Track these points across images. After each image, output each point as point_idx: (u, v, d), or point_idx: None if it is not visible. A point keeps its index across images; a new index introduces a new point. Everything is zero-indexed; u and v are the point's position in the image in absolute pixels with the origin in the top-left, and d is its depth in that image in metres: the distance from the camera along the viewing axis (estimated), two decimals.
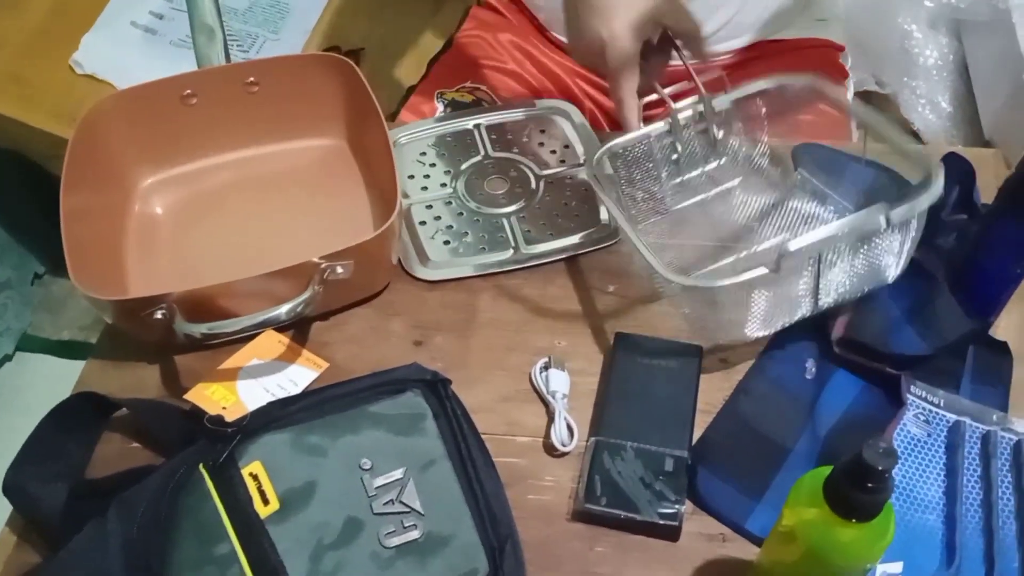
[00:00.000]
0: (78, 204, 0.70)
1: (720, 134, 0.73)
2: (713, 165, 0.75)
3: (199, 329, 0.63)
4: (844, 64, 0.99)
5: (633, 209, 0.75)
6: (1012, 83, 1.01)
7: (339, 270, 0.66)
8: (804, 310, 0.65)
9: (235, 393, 0.66)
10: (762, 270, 0.59)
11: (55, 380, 1.41)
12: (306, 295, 0.65)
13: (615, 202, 0.68)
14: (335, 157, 0.83)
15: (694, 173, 0.75)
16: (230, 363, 0.68)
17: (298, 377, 0.68)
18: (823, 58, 0.98)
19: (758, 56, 0.97)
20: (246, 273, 0.64)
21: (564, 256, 0.76)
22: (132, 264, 0.75)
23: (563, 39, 0.98)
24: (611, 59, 0.68)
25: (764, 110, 0.74)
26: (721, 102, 0.72)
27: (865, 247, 0.63)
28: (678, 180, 0.75)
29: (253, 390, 0.66)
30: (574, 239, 0.76)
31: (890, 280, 0.66)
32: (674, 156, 0.74)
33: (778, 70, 0.95)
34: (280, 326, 0.68)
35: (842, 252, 0.62)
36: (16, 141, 1.26)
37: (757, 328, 0.65)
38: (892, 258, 0.64)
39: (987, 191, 0.73)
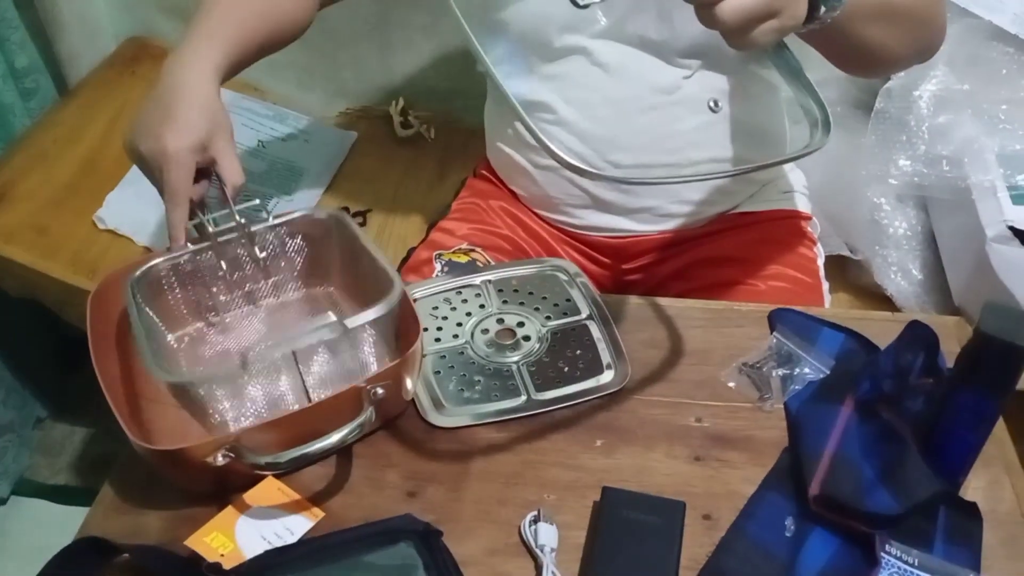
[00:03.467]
0: (109, 366, 0.75)
1: (263, 255, 0.84)
2: (259, 284, 0.87)
3: (263, 459, 0.67)
4: (812, 232, 1.06)
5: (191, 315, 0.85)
6: (976, 255, 1.08)
7: (379, 391, 0.71)
8: (293, 401, 0.77)
9: (233, 540, 0.68)
10: (232, 366, 0.70)
11: (47, 525, 1.42)
12: (361, 418, 0.69)
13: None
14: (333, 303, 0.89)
15: (244, 289, 0.86)
16: (230, 510, 0.70)
17: (294, 526, 0.70)
18: (790, 227, 1.05)
19: (727, 228, 1.04)
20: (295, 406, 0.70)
21: (574, 403, 0.80)
22: (155, 418, 0.78)
23: (545, 214, 1.07)
24: (171, 174, 0.76)
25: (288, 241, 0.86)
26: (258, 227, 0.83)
27: (336, 348, 0.76)
28: (230, 295, 0.85)
29: (251, 537, 0.68)
30: (580, 386, 0.81)
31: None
32: (220, 273, 0.83)
33: (746, 240, 1.03)
34: (282, 473, 0.72)
35: (317, 354, 0.76)
36: (32, 288, 1.32)
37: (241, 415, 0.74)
38: (370, 349, 0.78)
39: (952, 356, 0.78)
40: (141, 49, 1.54)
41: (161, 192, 0.78)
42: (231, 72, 0.85)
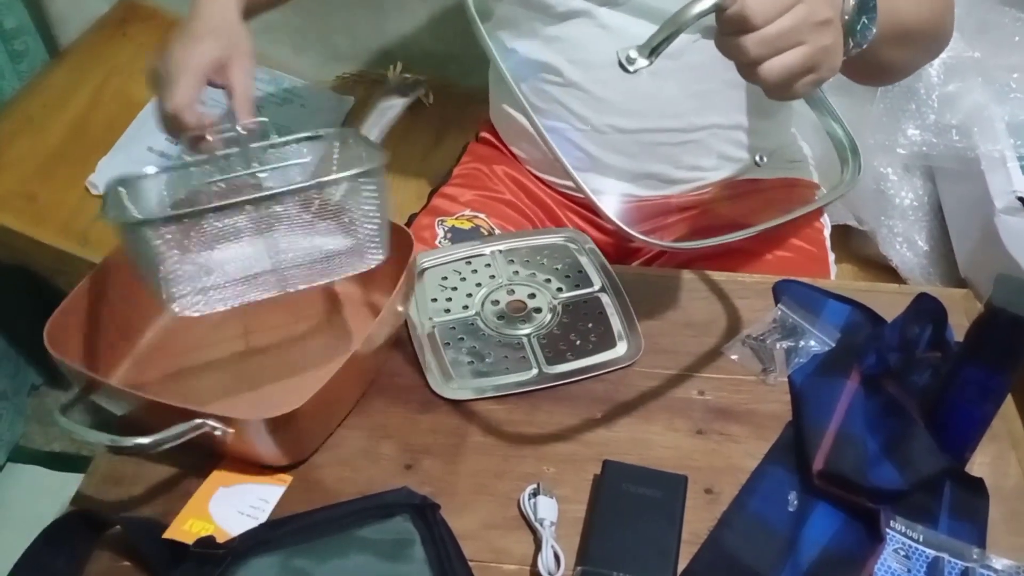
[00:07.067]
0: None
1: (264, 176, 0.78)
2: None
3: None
4: None
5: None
6: (983, 226, 1.06)
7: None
8: (260, 269, 0.72)
9: (212, 522, 0.65)
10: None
11: (43, 492, 1.41)
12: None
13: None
14: None
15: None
16: (199, 495, 0.68)
17: (266, 495, 0.68)
18: (798, 196, 1.03)
19: (734, 195, 1.02)
20: None
21: (584, 376, 0.78)
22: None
23: (548, 178, 1.04)
24: (180, 83, 0.74)
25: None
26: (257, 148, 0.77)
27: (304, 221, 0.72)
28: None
29: (228, 515, 0.66)
30: (593, 359, 0.79)
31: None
32: (215, 190, 0.77)
33: (754, 208, 1.01)
34: None
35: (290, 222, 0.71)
36: (23, 255, 1.30)
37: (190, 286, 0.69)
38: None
39: (959, 329, 0.77)
40: (132, 11, 1.51)
41: (164, 104, 0.74)
42: (251, 7, 0.83)
